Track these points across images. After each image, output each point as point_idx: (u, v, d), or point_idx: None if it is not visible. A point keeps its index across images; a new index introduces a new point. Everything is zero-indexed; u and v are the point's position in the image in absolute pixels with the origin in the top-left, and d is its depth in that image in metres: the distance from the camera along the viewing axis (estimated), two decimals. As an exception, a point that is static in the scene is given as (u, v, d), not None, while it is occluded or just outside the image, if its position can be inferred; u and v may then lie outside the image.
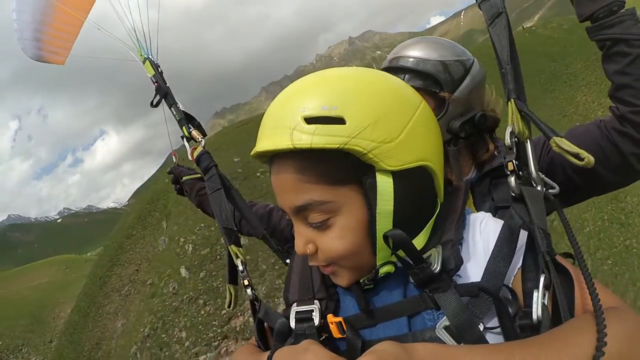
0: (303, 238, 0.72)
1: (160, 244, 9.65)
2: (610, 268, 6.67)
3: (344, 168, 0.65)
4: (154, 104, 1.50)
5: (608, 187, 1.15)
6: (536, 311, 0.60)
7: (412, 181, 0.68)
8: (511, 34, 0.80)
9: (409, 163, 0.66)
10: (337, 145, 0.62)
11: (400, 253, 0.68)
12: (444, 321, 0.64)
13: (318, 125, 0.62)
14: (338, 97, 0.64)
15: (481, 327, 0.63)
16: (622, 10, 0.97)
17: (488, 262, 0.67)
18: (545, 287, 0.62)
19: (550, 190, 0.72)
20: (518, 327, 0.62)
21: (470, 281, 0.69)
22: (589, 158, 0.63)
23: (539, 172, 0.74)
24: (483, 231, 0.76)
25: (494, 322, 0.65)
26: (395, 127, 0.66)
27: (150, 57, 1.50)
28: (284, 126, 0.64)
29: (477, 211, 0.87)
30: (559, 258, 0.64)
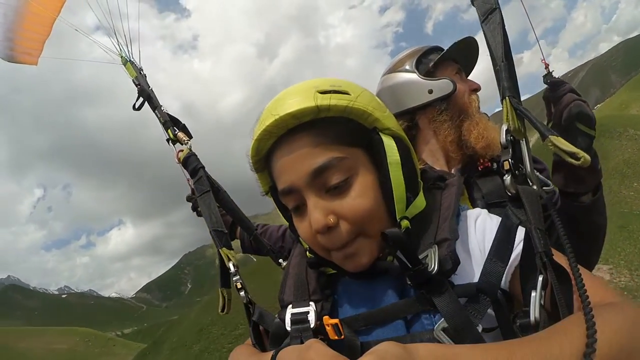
0: (321, 210, 0.71)
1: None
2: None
3: (352, 132, 0.74)
4: (137, 106, 1.49)
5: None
6: (533, 312, 0.60)
7: (403, 146, 0.78)
8: (505, 30, 0.78)
9: (398, 130, 0.79)
10: (348, 103, 0.73)
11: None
12: (442, 323, 0.64)
13: (331, 93, 0.73)
14: (339, 82, 0.77)
15: (480, 329, 0.63)
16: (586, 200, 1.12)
17: (485, 262, 0.68)
18: (543, 287, 0.61)
19: (544, 188, 0.73)
20: (519, 327, 0.62)
21: (465, 279, 0.70)
22: (585, 158, 0.62)
23: (534, 170, 0.73)
24: (478, 228, 0.78)
25: (492, 322, 0.66)
26: (382, 107, 0.80)
27: (131, 59, 1.49)
28: (304, 95, 0.73)
29: (473, 207, 0.88)
30: (556, 256, 0.63)
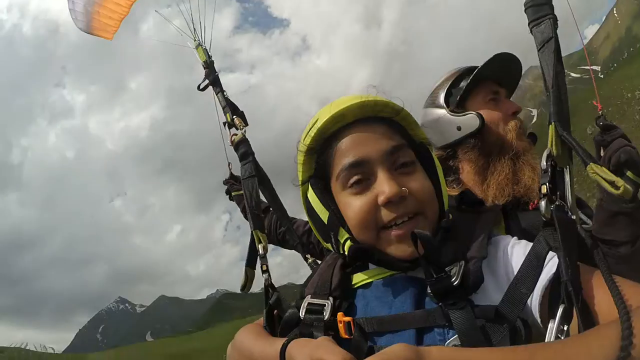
0: (395, 182, 0.76)
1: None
2: None
3: (408, 139, 0.86)
4: (201, 87, 1.59)
5: None
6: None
7: None
8: (559, 59, 0.81)
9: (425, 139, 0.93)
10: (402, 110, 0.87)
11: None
12: (454, 340, 0.63)
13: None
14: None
15: None
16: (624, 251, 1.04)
17: (509, 286, 0.66)
18: (565, 318, 0.58)
19: (583, 226, 0.71)
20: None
21: (486, 300, 0.68)
22: (625, 187, 0.62)
23: (576, 206, 0.70)
24: (505, 252, 0.77)
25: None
26: None
27: (202, 44, 1.59)
28: (379, 98, 0.84)
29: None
30: (587, 271, 0.61)
